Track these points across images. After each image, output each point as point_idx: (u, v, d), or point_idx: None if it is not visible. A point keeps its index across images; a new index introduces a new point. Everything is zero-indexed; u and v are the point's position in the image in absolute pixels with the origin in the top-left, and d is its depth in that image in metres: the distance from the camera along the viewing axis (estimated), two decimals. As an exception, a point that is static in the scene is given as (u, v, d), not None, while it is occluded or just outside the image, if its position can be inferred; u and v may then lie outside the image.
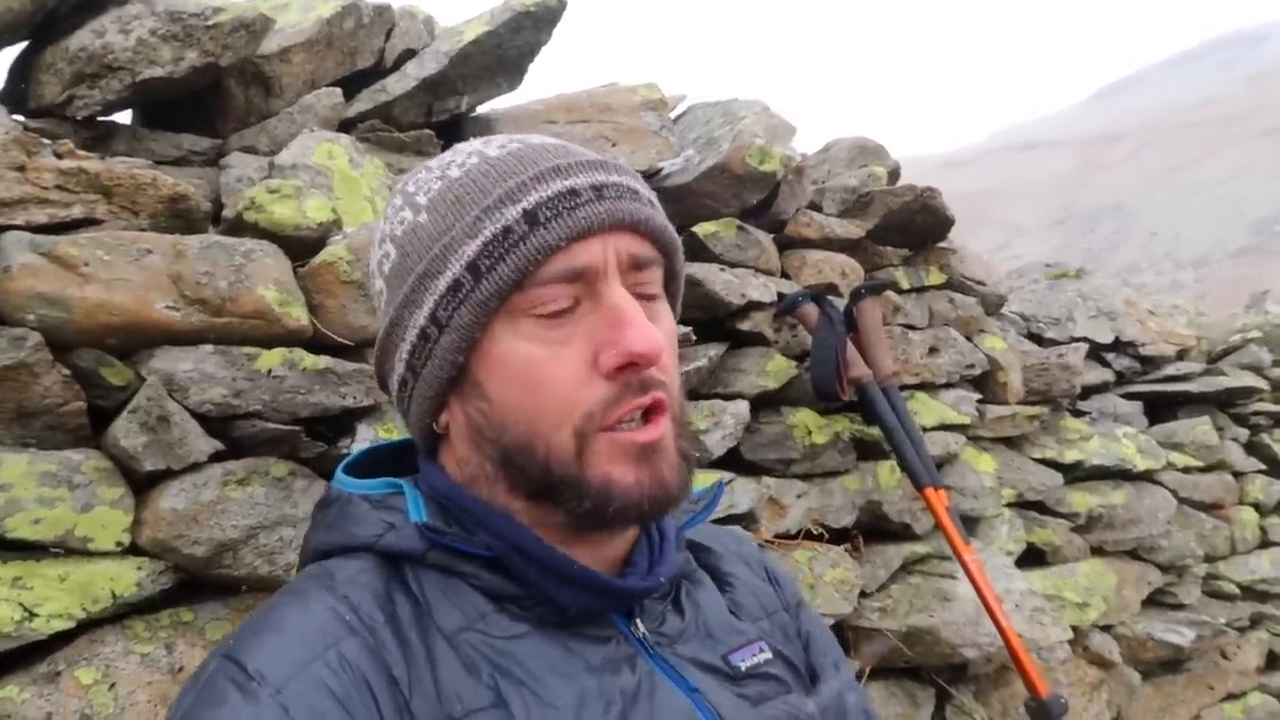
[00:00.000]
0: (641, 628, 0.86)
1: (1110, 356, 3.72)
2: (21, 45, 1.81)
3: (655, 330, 0.79)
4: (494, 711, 0.73)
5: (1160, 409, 3.74)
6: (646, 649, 0.85)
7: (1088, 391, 3.59)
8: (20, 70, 1.81)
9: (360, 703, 0.69)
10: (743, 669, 0.90)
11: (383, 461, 0.95)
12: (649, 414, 0.81)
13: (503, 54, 2.19)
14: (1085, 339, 3.59)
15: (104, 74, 1.72)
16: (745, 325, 2.33)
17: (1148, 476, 3.33)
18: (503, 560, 0.81)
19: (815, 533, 2.32)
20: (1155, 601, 3.30)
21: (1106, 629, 3.05)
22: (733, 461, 2.31)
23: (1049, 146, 67.14)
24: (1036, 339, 3.61)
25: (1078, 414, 3.48)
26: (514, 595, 0.81)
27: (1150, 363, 3.78)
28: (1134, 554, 3.24)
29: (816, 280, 2.55)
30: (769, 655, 0.93)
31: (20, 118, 1.78)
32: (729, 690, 0.86)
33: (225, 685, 0.68)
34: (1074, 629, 2.78)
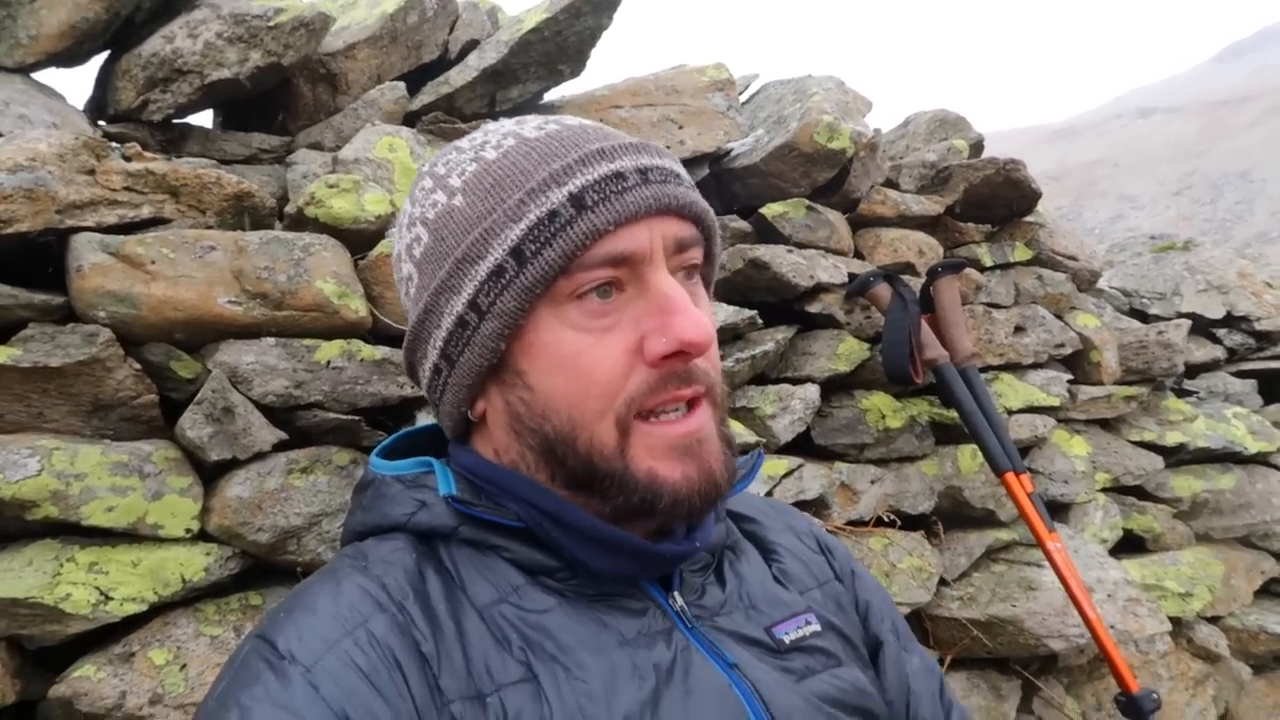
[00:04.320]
0: (679, 600, 0.84)
1: (1221, 332, 3.49)
2: (104, 57, 1.90)
3: (705, 318, 0.77)
4: (524, 685, 0.73)
5: (1278, 387, 3.50)
6: (683, 622, 0.83)
7: (1196, 370, 3.40)
8: (102, 79, 1.90)
9: (388, 679, 0.70)
10: (787, 641, 0.87)
11: (422, 445, 0.95)
12: (691, 403, 0.80)
13: (564, 41, 2.18)
14: (1193, 314, 3.39)
15: (175, 78, 1.78)
16: (815, 307, 2.28)
17: (1261, 459, 3.14)
18: (534, 530, 0.80)
19: (888, 520, 2.25)
20: (1270, 592, 3.11)
21: (1214, 620, 2.88)
22: (803, 446, 2.26)
23: (1167, 112, 63.64)
24: (1140, 315, 3.42)
25: (1184, 394, 3.29)
26: (547, 567, 0.80)
27: (1266, 338, 3.54)
28: (1246, 541, 3.06)
29: (892, 259, 2.47)
30: (817, 627, 0.90)
31: (102, 123, 1.86)
32: (770, 664, 0.84)
33: (259, 665, 0.70)
34: (1176, 620, 2.64)
